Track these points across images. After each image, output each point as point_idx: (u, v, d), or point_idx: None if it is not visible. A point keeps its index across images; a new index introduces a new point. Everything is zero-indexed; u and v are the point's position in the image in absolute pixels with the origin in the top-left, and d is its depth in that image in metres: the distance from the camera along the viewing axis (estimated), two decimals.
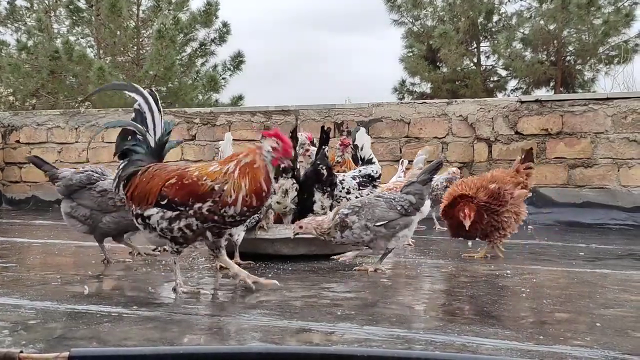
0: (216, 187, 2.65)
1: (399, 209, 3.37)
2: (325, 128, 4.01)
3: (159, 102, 3.00)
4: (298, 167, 3.95)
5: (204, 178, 2.69)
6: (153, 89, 3.07)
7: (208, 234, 2.78)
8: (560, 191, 6.70)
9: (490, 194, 3.79)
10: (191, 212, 2.69)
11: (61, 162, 8.83)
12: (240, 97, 18.06)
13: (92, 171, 3.61)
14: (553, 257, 4.25)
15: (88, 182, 3.54)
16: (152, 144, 2.95)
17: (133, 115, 2.98)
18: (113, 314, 2.42)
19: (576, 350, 1.97)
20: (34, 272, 3.44)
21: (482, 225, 3.78)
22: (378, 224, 3.32)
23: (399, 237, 3.42)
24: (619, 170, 6.52)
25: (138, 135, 2.94)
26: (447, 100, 7.38)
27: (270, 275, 3.34)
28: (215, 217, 2.68)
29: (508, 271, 3.56)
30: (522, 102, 6.87)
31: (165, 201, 2.72)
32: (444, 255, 4.21)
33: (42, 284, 3.04)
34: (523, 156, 4.15)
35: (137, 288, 2.98)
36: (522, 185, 3.97)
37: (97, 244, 3.71)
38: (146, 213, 2.77)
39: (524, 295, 2.89)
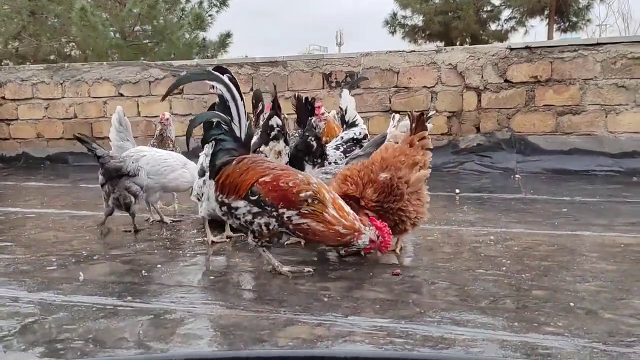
0: (309, 200, 2.75)
1: None
2: (310, 99, 3.99)
3: (240, 87, 2.98)
4: (288, 132, 3.97)
5: (301, 188, 2.76)
6: (231, 74, 3.01)
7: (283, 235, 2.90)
8: (548, 139, 6.76)
9: (381, 189, 3.04)
10: (275, 214, 2.77)
11: (49, 118, 8.78)
12: (228, 35, 17.70)
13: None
14: (537, 215, 4.36)
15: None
16: (238, 134, 2.94)
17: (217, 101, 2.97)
18: (108, 307, 2.51)
19: (547, 339, 2.09)
20: (29, 252, 3.52)
21: None
22: None
23: None
24: (606, 117, 6.56)
25: (223, 125, 2.92)
26: (436, 48, 7.29)
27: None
28: (290, 226, 2.79)
29: (492, 237, 3.68)
30: (511, 49, 6.79)
31: (256, 197, 2.77)
32: (430, 219, 4.30)
33: (38, 269, 3.13)
34: (414, 124, 3.32)
35: (131, 272, 3.07)
36: (420, 166, 3.18)
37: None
38: (234, 204, 2.83)
39: (504, 268, 3.00)
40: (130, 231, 3.99)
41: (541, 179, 6.31)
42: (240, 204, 2.82)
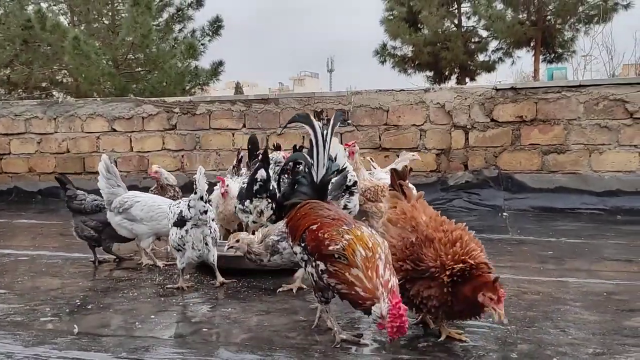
0: (335, 255, 2.52)
1: None
2: (298, 147, 4.08)
3: (326, 135, 2.92)
4: (273, 186, 4.04)
5: (331, 242, 2.56)
6: (322, 123, 3.02)
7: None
8: (535, 177, 6.90)
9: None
10: (314, 264, 2.66)
11: (41, 152, 8.83)
12: (220, 63, 17.80)
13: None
14: (523, 259, 4.46)
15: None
16: (315, 179, 2.92)
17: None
18: None
19: None
20: (23, 301, 3.55)
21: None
22: None
23: None
24: (590, 156, 6.72)
25: (306, 168, 2.96)
26: (424, 88, 7.46)
27: (252, 297, 3.49)
28: (324, 281, 2.62)
29: None
30: (497, 90, 6.98)
31: (304, 245, 2.73)
32: None
33: (33, 320, 3.17)
34: (397, 178, 3.09)
35: (125, 323, 3.10)
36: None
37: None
38: (294, 249, 2.84)
39: (491, 319, 3.07)
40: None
41: (528, 216, 6.43)
42: (297, 249, 2.80)
